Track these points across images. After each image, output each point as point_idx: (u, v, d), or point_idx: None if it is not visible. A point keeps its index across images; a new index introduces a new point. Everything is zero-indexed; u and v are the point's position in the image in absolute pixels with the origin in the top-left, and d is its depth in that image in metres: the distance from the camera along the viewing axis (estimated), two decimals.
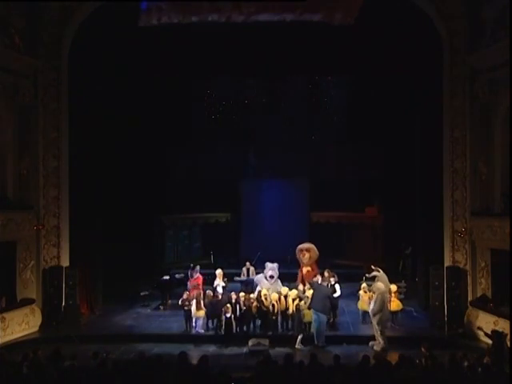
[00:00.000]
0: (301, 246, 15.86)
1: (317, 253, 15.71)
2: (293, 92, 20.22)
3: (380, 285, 12.74)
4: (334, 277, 14.32)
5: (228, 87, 20.13)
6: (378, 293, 12.59)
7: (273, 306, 13.36)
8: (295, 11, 13.62)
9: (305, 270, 15.44)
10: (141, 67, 16.13)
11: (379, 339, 12.46)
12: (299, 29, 14.41)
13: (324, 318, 12.89)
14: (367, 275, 13.60)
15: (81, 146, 14.86)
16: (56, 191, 14.50)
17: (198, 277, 15.19)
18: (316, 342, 12.68)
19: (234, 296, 13.61)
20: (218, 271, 15.26)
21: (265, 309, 13.33)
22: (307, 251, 15.65)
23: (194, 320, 13.66)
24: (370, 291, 14.12)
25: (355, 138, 19.62)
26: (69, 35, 14.54)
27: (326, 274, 14.39)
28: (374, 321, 12.58)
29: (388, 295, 13.10)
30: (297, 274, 15.82)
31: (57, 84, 14.49)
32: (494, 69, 13.05)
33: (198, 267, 15.40)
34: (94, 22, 14.41)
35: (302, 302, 13.14)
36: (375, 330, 12.62)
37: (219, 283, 14.93)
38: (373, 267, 13.41)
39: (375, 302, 12.56)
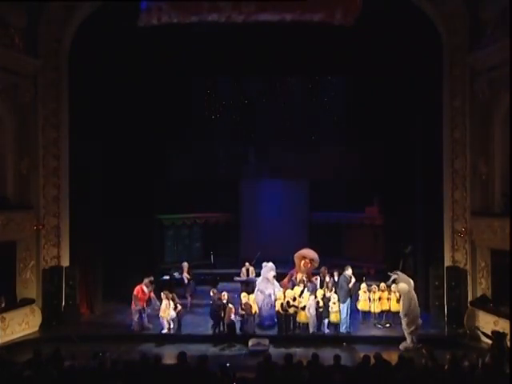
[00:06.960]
0: (306, 254, 15.00)
1: (318, 263, 15.10)
2: (293, 92, 20.21)
3: (403, 285, 12.65)
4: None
5: (228, 87, 20.12)
6: (403, 294, 12.59)
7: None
8: (295, 11, 13.56)
9: (300, 276, 14.50)
10: (141, 67, 16.13)
11: (407, 338, 12.48)
12: (299, 28, 14.38)
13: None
14: (388, 283, 13.33)
15: (81, 146, 14.86)
16: (56, 191, 14.51)
17: (150, 291, 14.18)
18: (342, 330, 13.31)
19: (225, 297, 13.44)
20: (185, 264, 15.99)
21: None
22: (311, 261, 14.85)
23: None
24: (369, 291, 14.17)
25: (355, 137, 19.58)
26: (69, 35, 14.54)
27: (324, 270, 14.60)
28: (404, 323, 12.56)
29: (413, 292, 12.78)
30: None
31: (57, 84, 14.50)
32: (494, 69, 13.04)
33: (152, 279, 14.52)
34: (94, 22, 14.42)
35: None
36: (404, 330, 12.62)
37: (184, 276, 15.68)
38: (389, 273, 13.15)
39: (403, 304, 12.58)
